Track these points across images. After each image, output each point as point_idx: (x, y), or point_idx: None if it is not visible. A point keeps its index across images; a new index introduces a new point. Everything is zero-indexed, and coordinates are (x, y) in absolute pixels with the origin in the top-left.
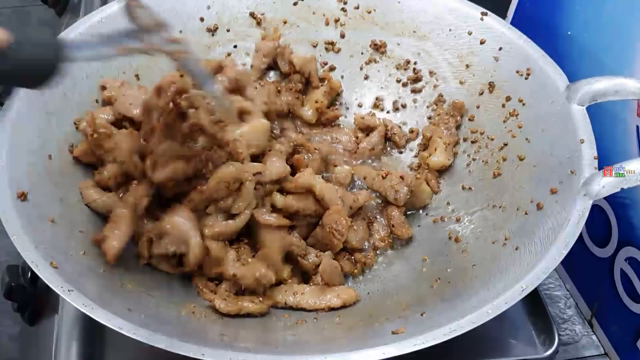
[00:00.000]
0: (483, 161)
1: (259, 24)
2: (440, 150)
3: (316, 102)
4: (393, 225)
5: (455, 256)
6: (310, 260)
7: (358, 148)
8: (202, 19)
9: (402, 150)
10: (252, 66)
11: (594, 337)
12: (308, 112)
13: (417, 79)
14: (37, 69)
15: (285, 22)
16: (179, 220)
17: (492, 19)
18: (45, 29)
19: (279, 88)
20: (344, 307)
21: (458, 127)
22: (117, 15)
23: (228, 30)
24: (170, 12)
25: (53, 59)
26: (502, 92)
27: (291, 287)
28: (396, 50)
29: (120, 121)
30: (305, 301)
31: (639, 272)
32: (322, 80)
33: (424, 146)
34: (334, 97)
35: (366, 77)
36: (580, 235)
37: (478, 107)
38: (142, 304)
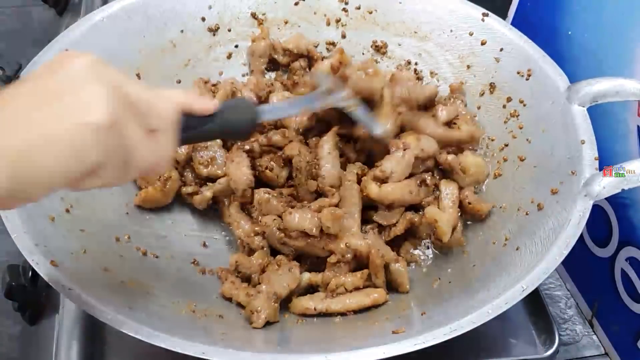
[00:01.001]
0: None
1: (260, 24)
2: (464, 124)
3: None
4: (470, 203)
5: (456, 256)
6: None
7: None
8: (203, 19)
9: None
10: (252, 71)
11: (594, 337)
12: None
13: (418, 80)
14: (238, 128)
15: (286, 22)
16: None
17: (493, 20)
18: (245, 100)
19: (283, 82)
20: (374, 306)
21: (466, 105)
22: (117, 15)
23: (229, 30)
24: (171, 11)
25: (250, 120)
26: (503, 92)
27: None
28: (397, 51)
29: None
30: (335, 304)
31: (639, 272)
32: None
33: None
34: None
35: None
36: (581, 235)
37: (479, 107)
38: (143, 302)
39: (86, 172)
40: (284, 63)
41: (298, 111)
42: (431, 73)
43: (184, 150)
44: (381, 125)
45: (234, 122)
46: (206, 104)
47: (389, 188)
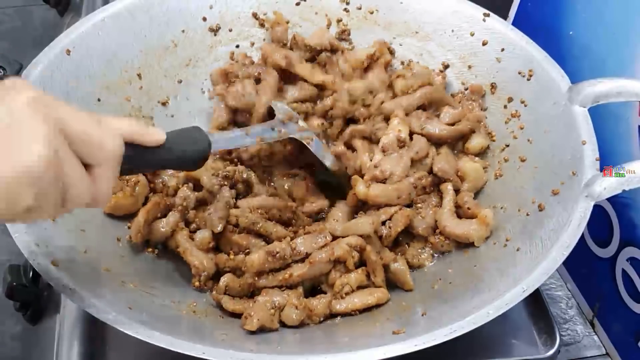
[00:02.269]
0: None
1: (262, 25)
2: (475, 132)
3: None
4: (469, 208)
5: (457, 257)
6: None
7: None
8: (204, 19)
9: None
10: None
11: (595, 337)
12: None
13: None
14: (188, 159)
15: (287, 23)
16: None
17: (494, 20)
18: (197, 129)
19: None
20: (376, 306)
21: (483, 109)
22: (119, 15)
23: (230, 30)
24: (173, 11)
25: (202, 151)
26: (504, 93)
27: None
28: (398, 51)
29: None
30: (340, 304)
31: None
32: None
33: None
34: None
35: None
36: (582, 235)
37: None
38: (143, 302)
39: (18, 215)
40: (305, 59)
41: (253, 141)
42: None
43: None
44: (334, 159)
45: (184, 153)
46: (155, 136)
47: (377, 191)
